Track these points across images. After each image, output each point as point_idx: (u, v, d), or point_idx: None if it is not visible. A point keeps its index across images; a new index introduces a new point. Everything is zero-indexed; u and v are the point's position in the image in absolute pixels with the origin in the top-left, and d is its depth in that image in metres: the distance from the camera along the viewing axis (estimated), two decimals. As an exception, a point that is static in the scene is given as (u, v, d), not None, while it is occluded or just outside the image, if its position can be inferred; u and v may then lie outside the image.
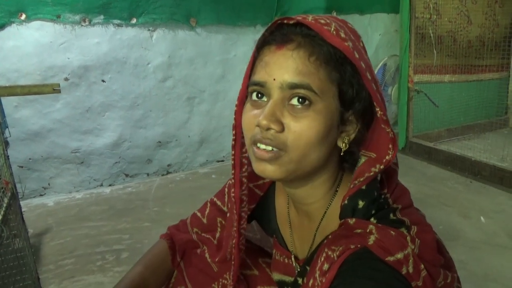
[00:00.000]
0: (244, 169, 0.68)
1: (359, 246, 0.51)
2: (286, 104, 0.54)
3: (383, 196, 0.58)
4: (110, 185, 2.96)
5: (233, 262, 0.74)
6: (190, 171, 3.21)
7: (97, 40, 2.70)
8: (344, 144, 0.57)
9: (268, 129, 0.53)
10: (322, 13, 3.45)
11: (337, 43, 0.51)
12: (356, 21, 3.66)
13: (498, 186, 2.65)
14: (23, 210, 1.50)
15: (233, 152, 0.67)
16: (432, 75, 3.58)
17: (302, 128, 0.53)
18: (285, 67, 0.53)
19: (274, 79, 0.54)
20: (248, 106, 0.59)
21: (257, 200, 0.78)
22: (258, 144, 0.56)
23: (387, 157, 0.54)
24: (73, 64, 2.66)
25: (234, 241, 0.72)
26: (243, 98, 0.61)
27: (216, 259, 0.79)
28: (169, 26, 2.90)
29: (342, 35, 0.52)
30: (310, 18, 0.54)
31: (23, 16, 2.47)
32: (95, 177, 2.91)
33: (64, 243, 2.11)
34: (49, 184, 2.79)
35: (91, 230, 2.25)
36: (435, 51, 3.52)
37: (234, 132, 0.65)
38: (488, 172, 2.75)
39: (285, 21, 0.55)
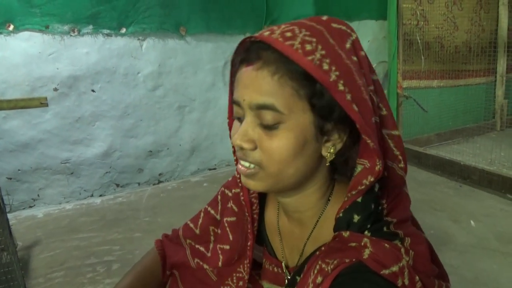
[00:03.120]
0: None
1: (354, 260, 0.50)
2: (258, 122, 0.55)
3: (380, 208, 0.57)
4: (100, 196, 2.94)
5: (247, 264, 0.74)
6: (182, 180, 3.19)
7: (86, 50, 2.69)
8: (328, 154, 0.56)
9: (242, 148, 0.55)
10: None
11: (299, 60, 0.50)
12: (344, 28, 3.70)
13: (487, 189, 2.68)
14: (11, 222, 1.49)
15: (235, 158, 0.69)
16: (421, 80, 3.63)
17: (272, 147, 0.54)
18: (251, 87, 0.53)
19: (244, 100, 0.55)
20: (235, 121, 0.60)
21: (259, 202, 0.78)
22: (240, 161, 0.58)
23: (376, 168, 0.54)
24: (62, 74, 2.64)
25: (249, 243, 0.72)
26: (232, 111, 0.62)
27: (219, 264, 0.77)
28: (159, 35, 2.91)
29: (308, 47, 0.50)
30: (277, 32, 0.52)
31: (11, 27, 2.46)
32: (85, 187, 2.89)
33: (54, 256, 2.09)
34: (38, 195, 2.76)
35: (82, 242, 2.22)
36: (423, 57, 3.57)
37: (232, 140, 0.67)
38: (477, 176, 2.78)
39: (253, 39, 0.55)
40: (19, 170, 2.66)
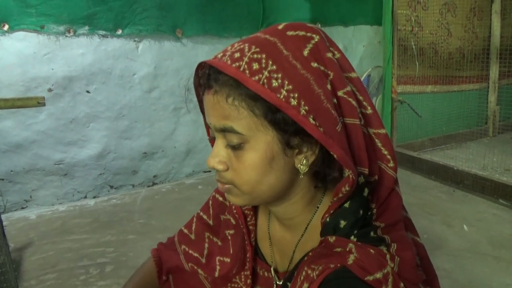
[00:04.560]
0: None
1: (338, 265, 0.50)
2: (226, 144, 0.56)
3: (369, 213, 0.57)
4: (94, 197, 2.92)
5: (248, 275, 0.73)
6: (176, 182, 3.18)
7: (82, 51, 2.68)
8: (301, 167, 0.55)
9: (215, 169, 0.58)
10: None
11: (245, 81, 0.49)
12: (340, 32, 3.73)
13: (480, 194, 2.71)
14: (3, 223, 1.47)
15: None
16: (415, 85, 3.66)
17: (240, 167, 0.55)
18: (211, 112, 0.55)
19: (210, 123, 0.56)
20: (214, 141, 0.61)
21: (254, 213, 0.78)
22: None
23: (349, 177, 0.52)
24: (57, 75, 2.63)
25: (248, 255, 0.72)
26: (209, 131, 0.64)
27: (216, 274, 0.76)
28: (155, 37, 2.90)
29: (255, 66, 0.50)
30: (228, 53, 0.53)
31: (6, 27, 2.44)
32: (79, 189, 2.87)
33: (46, 258, 2.07)
34: (31, 196, 2.74)
35: (75, 244, 2.20)
36: (417, 63, 3.60)
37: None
38: (471, 181, 2.81)
39: (207, 63, 0.56)
40: (11, 171, 2.63)
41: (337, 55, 0.55)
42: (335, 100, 0.52)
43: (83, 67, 2.70)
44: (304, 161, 0.55)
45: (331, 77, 0.52)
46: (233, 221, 0.76)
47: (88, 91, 2.75)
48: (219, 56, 0.54)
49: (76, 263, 1.99)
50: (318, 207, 0.62)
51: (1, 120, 2.53)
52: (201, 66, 0.58)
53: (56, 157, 2.74)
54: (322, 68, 0.52)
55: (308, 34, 0.53)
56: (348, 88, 0.54)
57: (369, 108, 0.56)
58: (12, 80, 2.51)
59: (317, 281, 0.50)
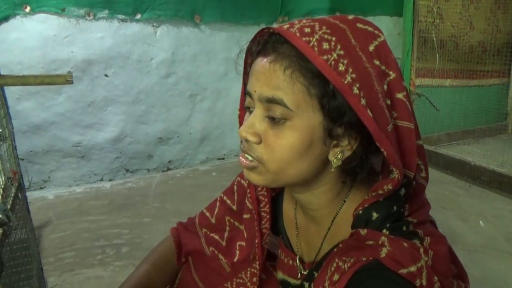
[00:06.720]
0: None
1: (371, 258, 0.50)
2: (266, 116, 0.54)
3: (402, 210, 0.56)
4: (110, 180, 2.96)
5: (258, 262, 0.73)
6: (191, 168, 3.21)
7: (101, 34, 2.69)
8: (335, 160, 0.54)
9: (247, 140, 0.55)
10: (326, 14, 3.45)
11: (313, 58, 0.48)
12: (359, 23, 3.67)
13: (497, 191, 2.67)
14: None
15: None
16: (434, 79, 3.60)
17: (276, 143, 0.53)
18: (263, 80, 0.53)
19: (255, 91, 0.54)
20: (247, 113, 0.59)
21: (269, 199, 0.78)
22: (243, 153, 0.57)
23: (392, 176, 0.52)
24: (76, 58, 2.65)
25: (256, 241, 0.72)
26: (243, 102, 0.61)
27: (235, 259, 0.77)
28: (173, 22, 2.90)
29: (325, 46, 0.49)
30: (297, 26, 0.51)
31: (28, 9, 2.46)
32: (95, 171, 2.91)
33: (64, 236, 2.11)
34: (49, 177, 2.79)
35: (91, 224, 2.25)
36: (437, 55, 3.53)
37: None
38: (488, 177, 2.76)
39: (271, 30, 0.54)
40: (31, 151, 2.68)
41: (395, 59, 0.55)
42: (388, 102, 0.52)
43: (101, 51, 2.72)
44: (339, 155, 0.54)
45: (391, 77, 0.52)
46: (249, 205, 0.76)
47: (106, 75, 2.78)
48: (285, 27, 0.52)
49: (93, 243, 2.04)
50: (344, 201, 0.62)
51: (21, 101, 2.57)
52: (262, 32, 0.57)
53: (74, 139, 2.78)
54: (383, 67, 0.52)
55: (376, 32, 0.54)
56: (405, 93, 0.54)
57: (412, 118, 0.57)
58: (33, 61, 2.54)
59: (349, 273, 0.50)
